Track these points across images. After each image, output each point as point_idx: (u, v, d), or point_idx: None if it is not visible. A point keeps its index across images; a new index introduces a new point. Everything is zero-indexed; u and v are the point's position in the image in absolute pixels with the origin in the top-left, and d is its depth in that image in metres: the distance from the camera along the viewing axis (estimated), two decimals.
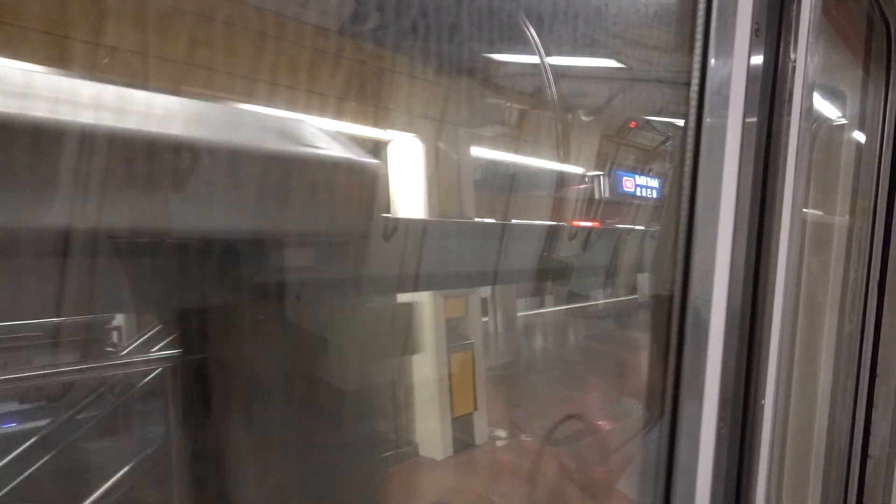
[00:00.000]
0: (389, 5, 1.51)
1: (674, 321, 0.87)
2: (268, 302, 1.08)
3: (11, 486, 1.93)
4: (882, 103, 2.04)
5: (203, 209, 0.89)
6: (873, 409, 2.32)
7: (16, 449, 2.05)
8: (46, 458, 2.10)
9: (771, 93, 0.96)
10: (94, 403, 2.27)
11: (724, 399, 0.93)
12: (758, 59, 0.89)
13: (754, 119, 0.91)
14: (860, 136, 2.20)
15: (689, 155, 0.84)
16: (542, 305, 3.79)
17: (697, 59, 0.81)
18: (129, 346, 2.35)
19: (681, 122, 0.92)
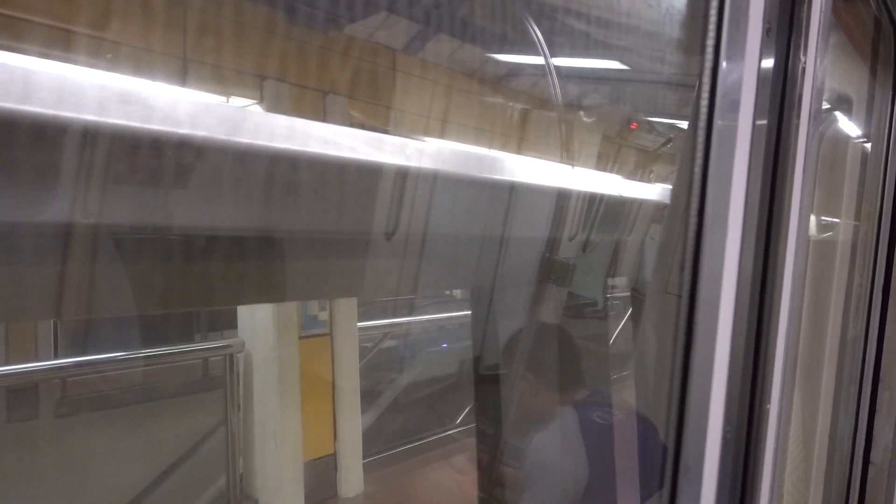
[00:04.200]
0: None
1: (681, 324, 0.86)
2: None
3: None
4: (889, 107, 2.03)
5: None
6: (876, 416, 2.31)
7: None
8: None
9: (781, 95, 0.95)
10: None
11: (730, 403, 0.92)
12: (769, 60, 0.88)
13: (764, 122, 0.90)
14: (866, 141, 2.19)
15: (699, 158, 0.83)
16: None
17: (709, 59, 0.80)
18: None
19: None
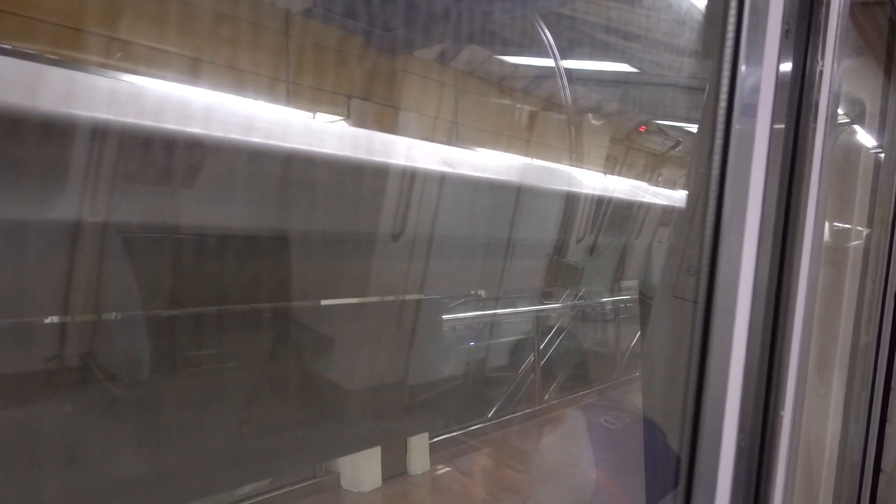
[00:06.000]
0: None
1: (697, 330, 0.85)
2: None
3: None
4: None
5: None
6: (887, 424, 2.29)
7: None
8: None
9: (798, 98, 0.93)
10: None
11: (744, 410, 0.91)
12: (787, 63, 0.86)
13: (782, 126, 0.88)
14: (880, 145, 2.17)
15: (716, 162, 0.81)
16: None
17: (727, 62, 0.79)
18: None
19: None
